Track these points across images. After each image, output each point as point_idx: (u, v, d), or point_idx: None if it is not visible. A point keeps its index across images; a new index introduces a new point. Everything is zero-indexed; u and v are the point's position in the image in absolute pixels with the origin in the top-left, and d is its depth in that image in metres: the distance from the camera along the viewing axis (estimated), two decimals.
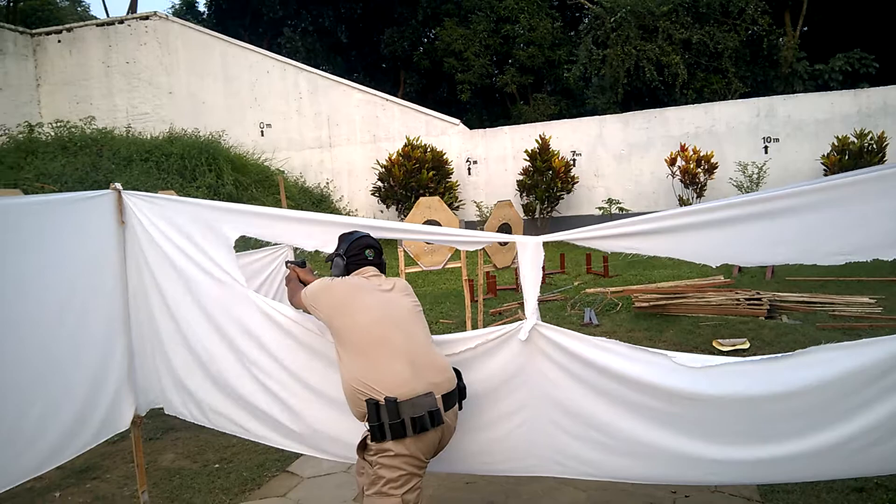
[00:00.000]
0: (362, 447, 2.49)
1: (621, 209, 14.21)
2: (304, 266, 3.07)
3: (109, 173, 11.54)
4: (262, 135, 16.83)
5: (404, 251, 6.31)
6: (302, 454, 3.97)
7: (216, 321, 2.99)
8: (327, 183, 16.43)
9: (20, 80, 17.13)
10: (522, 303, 7.42)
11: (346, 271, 2.75)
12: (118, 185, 3.18)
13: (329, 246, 2.88)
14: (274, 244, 5.58)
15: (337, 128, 16.68)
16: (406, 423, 2.35)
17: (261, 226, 3.02)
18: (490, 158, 15.80)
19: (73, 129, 13.23)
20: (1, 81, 16.50)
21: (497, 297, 8.71)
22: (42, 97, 17.71)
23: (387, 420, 2.35)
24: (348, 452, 2.83)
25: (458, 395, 2.54)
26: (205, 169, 13.01)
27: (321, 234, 2.92)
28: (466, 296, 6.51)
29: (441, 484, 3.66)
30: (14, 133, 13.08)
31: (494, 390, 2.72)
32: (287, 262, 3.15)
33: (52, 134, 13.10)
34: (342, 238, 2.82)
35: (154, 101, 17.30)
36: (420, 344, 2.56)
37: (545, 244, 2.64)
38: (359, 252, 2.78)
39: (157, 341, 3.18)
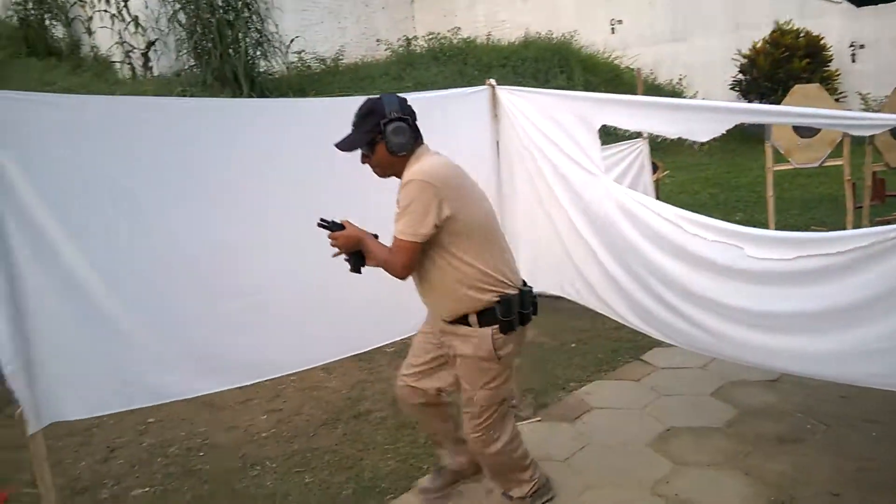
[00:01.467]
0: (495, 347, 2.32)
1: None
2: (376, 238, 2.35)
3: (472, 79, 12.52)
4: (613, 32, 16.42)
5: (773, 147, 5.72)
6: (654, 346, 4.07)
7: (585, 210, 3.07)
8: (680, 79, 15.45)
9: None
10: None
11: (415, 134, 2.31)
12: (492, 81, 3.46)
13: (693, 133, 2.73)
14: (627, 140, 5.55)
15: (692, 18, 15.42)
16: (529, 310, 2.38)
17: (629, 115, 3.01)
18: (882, 41, 13.07)
19: (442, 41, 14.63)
20: (382, 1, 18.77)
21: (885, 205, 7.43)
22: (416, 13, 19.71)
23: (517, 309, 2.31)
24: (730, 352, 2.69)
25: None
26: (556, 71, 13.36)
27: (685, 122, 2.78)
28: (848, 200, 5.69)
29: (811, 395, 3.42)
30: (395, 47, 14.93)
31: (886, 297, 2.37)
32: (333, 222, 2.29)
33: (426, 46, 14.67)
34: (372, 108, 2.27)
35: (511, 8, 18.01)
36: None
37: None
38: (409, 107, 2.31)
39: (527, 227, 3.46)
